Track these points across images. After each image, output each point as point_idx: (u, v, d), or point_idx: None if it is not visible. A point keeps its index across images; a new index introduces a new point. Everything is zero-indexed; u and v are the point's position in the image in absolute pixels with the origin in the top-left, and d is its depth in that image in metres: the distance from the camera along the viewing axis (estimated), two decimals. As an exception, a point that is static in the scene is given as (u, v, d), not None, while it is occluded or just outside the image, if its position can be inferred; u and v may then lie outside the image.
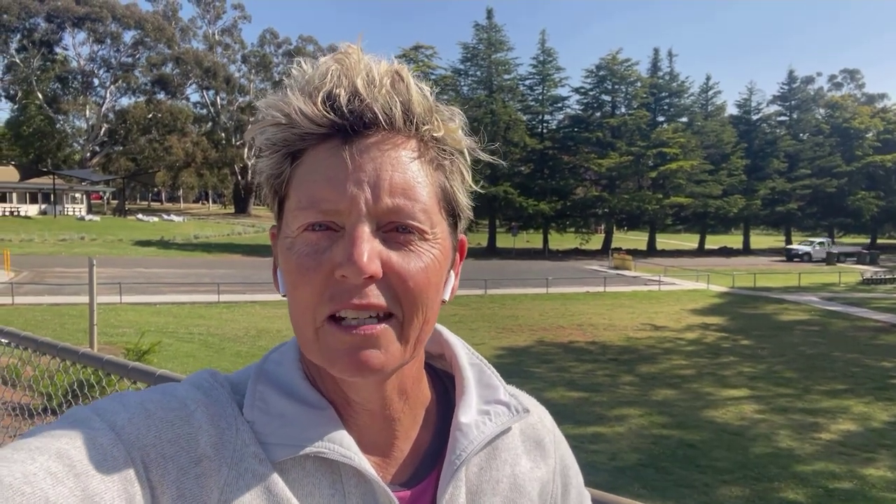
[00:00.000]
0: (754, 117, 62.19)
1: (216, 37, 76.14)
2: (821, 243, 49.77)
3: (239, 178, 73.43)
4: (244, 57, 76.82)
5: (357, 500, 0.57)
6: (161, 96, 69.98)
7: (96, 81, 68.73)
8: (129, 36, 68.25)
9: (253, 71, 76.21)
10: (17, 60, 64.37)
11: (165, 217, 60.65)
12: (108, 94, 68.32)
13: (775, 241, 70.83)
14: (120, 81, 68.02)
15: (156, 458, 0.51)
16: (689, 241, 65.50)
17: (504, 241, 52.25)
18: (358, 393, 0.60)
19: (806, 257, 48.75)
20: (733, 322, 21.95)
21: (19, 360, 2.44)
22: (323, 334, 0.54)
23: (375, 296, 0.52)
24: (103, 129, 66.74)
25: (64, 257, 31.33)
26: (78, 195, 60.40)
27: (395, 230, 0.54)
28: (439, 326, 0.73)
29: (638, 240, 62.10)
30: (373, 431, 0.61)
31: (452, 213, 0.60)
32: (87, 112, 66.83)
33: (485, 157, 0.62)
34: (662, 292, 28.78)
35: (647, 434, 10.27)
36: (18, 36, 65.59)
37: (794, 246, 51.77)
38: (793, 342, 18.44)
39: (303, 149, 0.56)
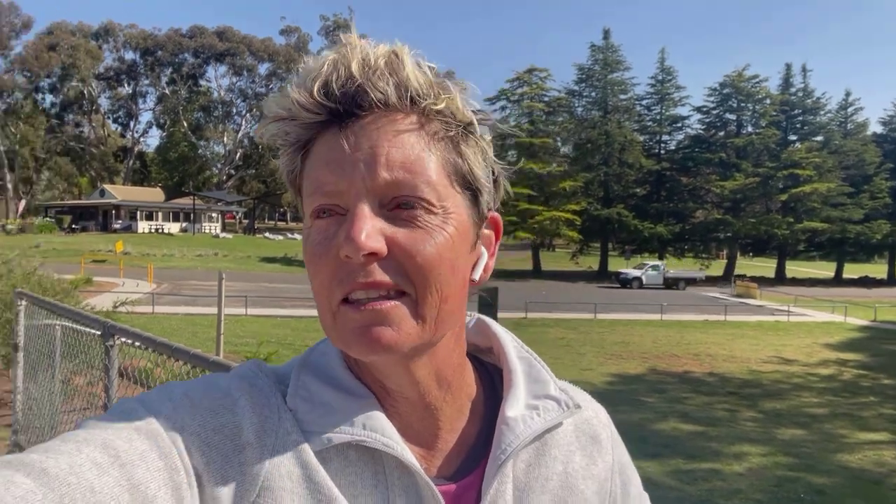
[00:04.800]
0: (903, 135, 56.67)
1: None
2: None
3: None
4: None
5: (400, 491, 0.56)
6: (287, 123, 74.71)
7: (234, 110, 75.11)
8: (263, 68, 74.35)
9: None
10: (167, 92, 71.71)
11: (290, 236, 64.32)
12: (243, 122, 74.36)
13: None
14: (254, 110, 73.65)
15: (200, 446, 0.52)
16: (825, 270, 60.30)
17: (617, 264, 50.70)
18: (389, 378, 0.59)
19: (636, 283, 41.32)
20: (875, 359, 19.84)
21: (154, 363, 2.65)
22: (339, 317, 0.54)
23: (380, 273, 0.52)
24: (238, 154, 72.61)
25: (199, 271, 34.08)
26: (214, 214, 65.94)
27: (399, 206, 0.53)
28: (487, 319, 0.71)
29: (765, 266, 58.19)
30: (414, 421, 0.61)
31: (469, 188, 0.58)
32: (225, 139, 73.04)
33: (503, 128, 0.61)
34: (791, 323, 26.68)
35: (770, 475, 9.47)
36: (169, 70, 73.18)
37: (625, 270, 44.29)
38: (948, 385, 16.39)
39: (310, 140, 0.56)
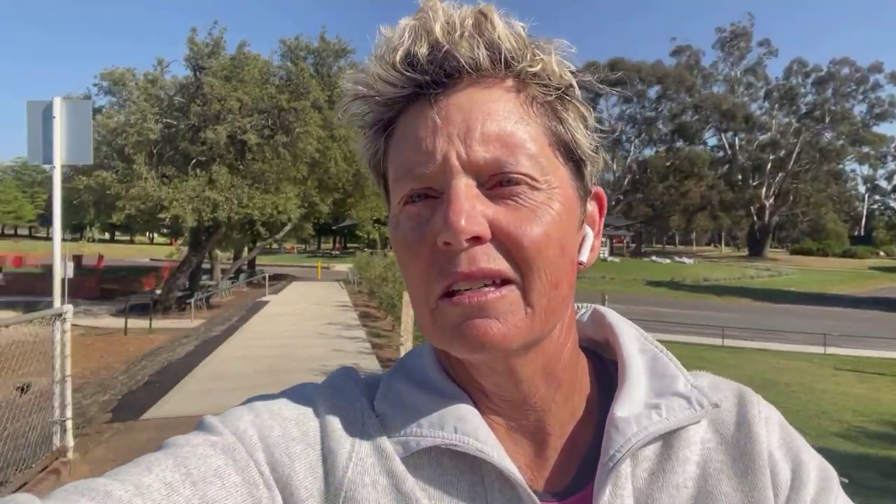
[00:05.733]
0: None
1: (738, 76, 75.18)
2: None
3: (755, 218, 70.04)
4: (767, 93, 73.62)
5: None
6: (679, 144, 73.30)
7: (623, 137, 76.71)
8: (652, 92, 74.10)
9: (776, 106, 72.15)
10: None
11: (677, 259, 62.24)
12: (632, 147, 75.42)
13: None
14: (643, 135, 74.19)
15: (280, 457, 0.50)
16: None
17: None
18: (488, 378, 0.53)
19: None
20: None
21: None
22: (438, 314, 0.49)
23: (486, 260, 0.47)
24: (627, 180, 73.76)
25: (591, 293, 35.47)
26: (603, 239, 67.77)
27: (500, 184, 0.48)
28: (603, 308, 0.63)
29: None
30: (517, 426, 0.55)
31: (573, 158, 0.52)
32: (615, 165, 75.03)
33: (604, 88, 0.56)
34: None
35: None
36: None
37: None
38: None
39: (393, 118, 0.52)
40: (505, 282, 0.47)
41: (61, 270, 5.72)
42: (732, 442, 0.54)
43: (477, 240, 0.46)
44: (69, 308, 5.25)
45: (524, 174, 0.48)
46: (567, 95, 0.52)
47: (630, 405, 0.54)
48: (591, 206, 0.57)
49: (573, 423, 0.56)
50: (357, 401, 0.55)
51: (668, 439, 0.54)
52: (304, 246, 72.31)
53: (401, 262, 0.51)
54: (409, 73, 0.48)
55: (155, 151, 18.10)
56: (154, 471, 0.45)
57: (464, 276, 0.47)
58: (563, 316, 0.53)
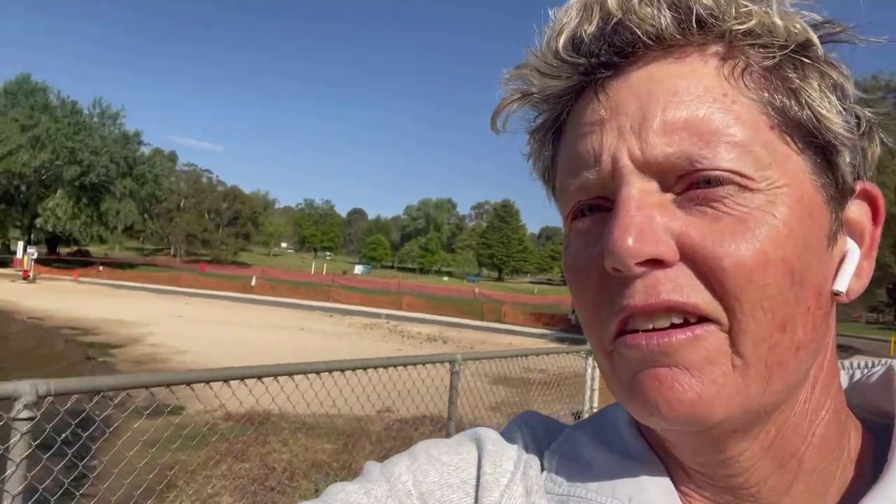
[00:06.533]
0: None
1: None
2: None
3: None
4: None
5: None
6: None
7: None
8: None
9: None
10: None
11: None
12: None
13: None
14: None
15: (432, 503, 0.46)
16: None
17: None
18: (686, 453, 0.42)
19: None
20: None
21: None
22: (616, 359, 0.39)
23: (670, 290, 0.36)
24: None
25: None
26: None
27: (694, 186, 0.37)
28: None
29: None
30: None
31: (814, 143, 0.39)
32: None
33: (863, 38, 0.40)
34: None
35: None
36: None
37: None
38: None
39: (560, 116, 0.43)
40: (702, 319, 0.37)
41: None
42: None
43: (658, 263, 0.36)
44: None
45: (728, 170, 0.36)
46: (803, 56, 0.39)
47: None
48: (857, 211, 0.42)
49: None
50: (523, 449, 0.48)
51: None
52: (875, 315, 57.48)
53: (572, 294, 0.42)
54: (571, 59, 0.39)
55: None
56: None
57: (641, 311, 0.37)
58: (803, 373, 0.39)
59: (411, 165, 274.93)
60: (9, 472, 2.06)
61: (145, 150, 61.40)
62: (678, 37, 0.38)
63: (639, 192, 0.37)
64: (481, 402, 5.09)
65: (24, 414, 2.04)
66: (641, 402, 0.37)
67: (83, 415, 2.56)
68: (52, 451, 2.39)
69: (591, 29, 0.39)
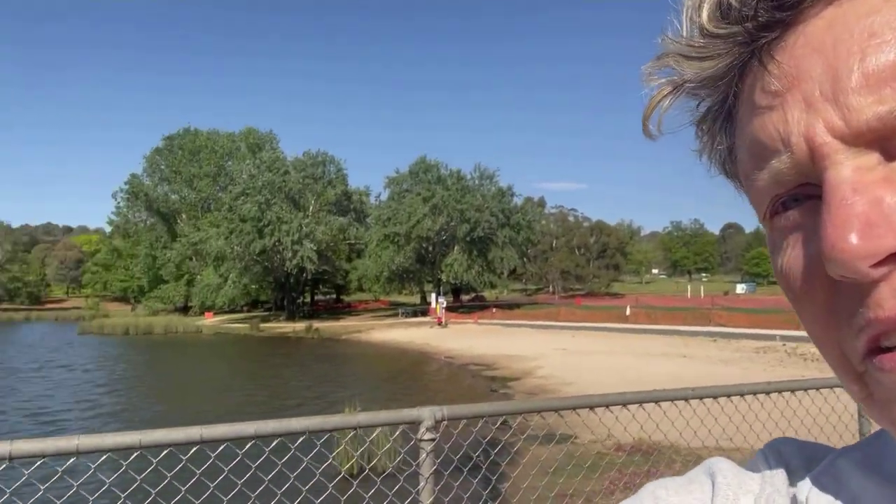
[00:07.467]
0: None
1: None
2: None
3: None
4: None
5: None
6: None
7: None
8: None
9: None
10: None
11: None
12: None
13: None
14: None
15: None
16: None
17: None
18: None
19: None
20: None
21: None
22: (872, 385, 0.32)
23: None
24: None
25: None
26: None
27: None
28: None
29: None
30: None
31: None
32: None
33: None
34: None
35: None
36: None
37: None
38: None
39: (726, 100, 0.36)
40: None
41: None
42: None
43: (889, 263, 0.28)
44: None
45: None
46: None
47: None
48: None
49: None
50: (767, 482, 0.41)
51: None
52: None
53: (791, 304, 0.35)
54: (723, 31, 0.32)
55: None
56: None
57: (884, 322, 0.29)
58: None
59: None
60: (420, 485, 2.44)
61: (518, 201, 68.95)
62: None
63: (853, 172, 0.29)
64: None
65: (427, 436, 2.42)
66: None
67: (488, 437, 2.90)
68: (467, 469, 2.76)
69: None
